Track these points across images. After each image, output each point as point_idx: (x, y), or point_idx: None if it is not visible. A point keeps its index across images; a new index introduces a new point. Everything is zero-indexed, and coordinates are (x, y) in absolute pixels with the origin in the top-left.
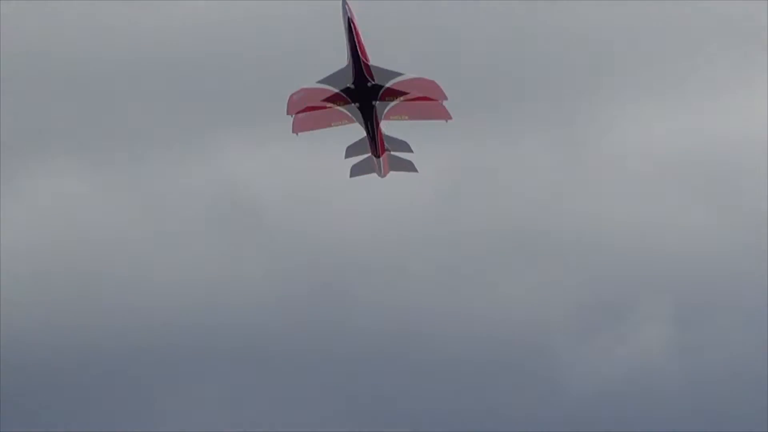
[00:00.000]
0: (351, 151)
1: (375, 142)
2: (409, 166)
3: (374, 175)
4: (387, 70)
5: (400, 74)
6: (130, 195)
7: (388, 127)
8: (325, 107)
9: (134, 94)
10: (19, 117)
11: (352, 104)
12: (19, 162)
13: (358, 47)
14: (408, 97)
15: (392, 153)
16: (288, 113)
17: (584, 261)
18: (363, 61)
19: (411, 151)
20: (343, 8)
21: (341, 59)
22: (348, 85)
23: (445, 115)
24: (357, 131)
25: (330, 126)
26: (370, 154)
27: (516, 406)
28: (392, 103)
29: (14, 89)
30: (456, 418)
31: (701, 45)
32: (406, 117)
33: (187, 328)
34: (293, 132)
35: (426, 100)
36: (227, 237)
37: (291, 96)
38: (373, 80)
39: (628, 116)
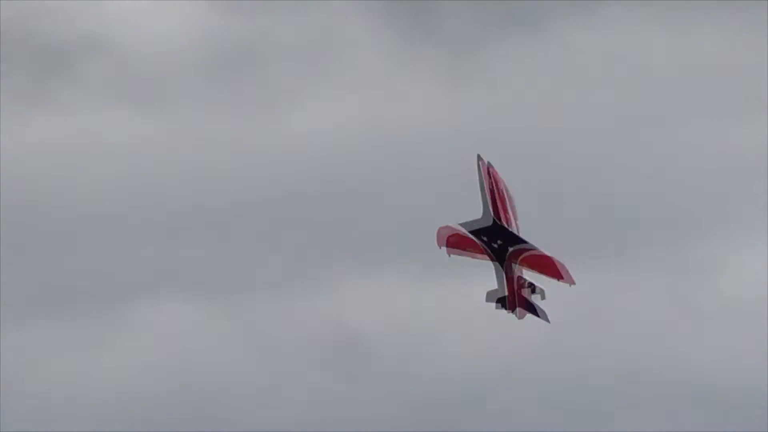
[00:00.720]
0: (491, 297)
1: (510, 295)
2: (543, 315)
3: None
4: (519, 239)
5: (531, 248)
6: (236, 331)
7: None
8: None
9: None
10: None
11: (494, 262)
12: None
13: (492, 205)
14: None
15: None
16: (441, 245)
17: (689, 409)
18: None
19: (548, 321)
20: (480, 168)
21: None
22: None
23: (569, 280)
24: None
25: (475, 257)
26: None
27: None
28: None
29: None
30: None
31: None
32: (537, 270)
33: None
34: (441, 245)
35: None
36: (336, 374)
37: (445, 235)
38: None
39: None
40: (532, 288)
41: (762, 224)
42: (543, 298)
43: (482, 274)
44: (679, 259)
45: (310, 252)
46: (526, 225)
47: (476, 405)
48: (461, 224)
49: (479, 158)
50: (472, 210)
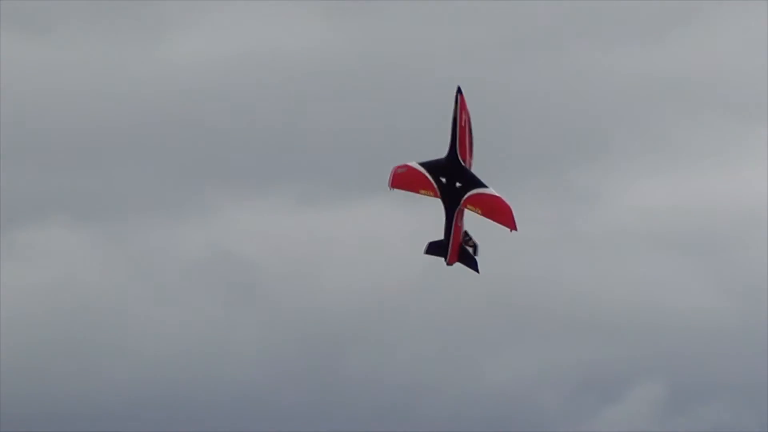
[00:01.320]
0: (432, 249)
1: (448, 247)
2: (472, 265)
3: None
4: (477, 180)
5: (484, 186)
6: (119, 255)
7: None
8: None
9: (120, 153)
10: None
11: (440, 199)
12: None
13: (458, 141)
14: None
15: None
16: (390, 186)
17: (577, 337)
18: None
19: (477, 270)
20: (457, 98)
21: None
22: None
23: (512, 225)
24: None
25: (418, 192)
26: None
27: None
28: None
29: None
30: None
31: (702, 111)
32: (480, 211)
33: (177, 397)
34: (390, 186)
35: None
36: (220, 303)
37: (395, 170)
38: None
39: (626, 186)
40: (471, 243)
41: (642, 151)
42: (476, 253)
43: (363, 198)
44: (559, 187)
45: (192, 176)
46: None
47: (358, 333)
48: (421, 162)
49: (459, 91)
50: (360, 131)
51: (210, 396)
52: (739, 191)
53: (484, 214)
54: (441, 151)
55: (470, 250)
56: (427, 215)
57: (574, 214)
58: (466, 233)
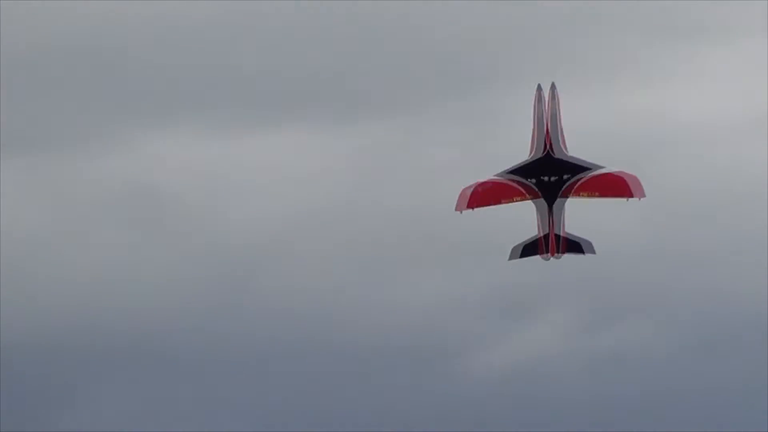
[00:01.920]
0: (523, 253)
1: (549, 240)
2: (584, 249)
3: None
4: (576, 163)
5: (592, 168)
6: (31, 187)
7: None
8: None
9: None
10: None
11: (538, 200)
12: None
13: (548, 136)
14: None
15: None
16: (460, 209)
17: (488, 262)
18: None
19: (593, 252)
20: (541, 94)
21: None
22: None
23: (636, 194)
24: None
25: (500, 203)
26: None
27: (416, 399)
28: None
29: None
30: (358, 413)
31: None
32: (596, 194)
33: (88, 323)
34: (460, 209)
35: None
36: (131, 227)
37: (476, 189)
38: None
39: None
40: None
41: (545, 72)
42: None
43: (285, 123)
44: (466, 109)
45: (98, 108)
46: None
47: (267, 262)
48: (510, 170)
49: (539, 88)
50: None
51: (118, 324)
52: (649, 112)
53: (601, 196)
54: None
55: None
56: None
57: (482, 137)
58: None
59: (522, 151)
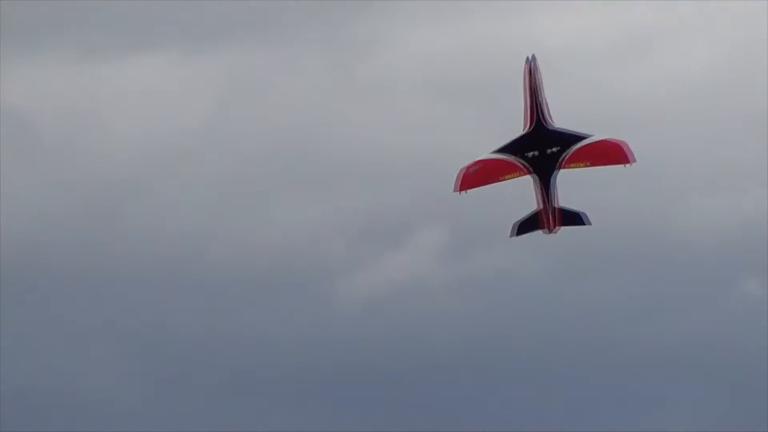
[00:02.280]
0: (521, 228)
1: (548, 215)
2: (580, 221)
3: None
4: (569, 134)
5: (583, 137)
6: None
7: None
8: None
9: None
10: None
11: (532, 174)
12: None
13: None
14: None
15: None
16: (457, 190)
17: (359, 184)
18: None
19: (589, 223)
20: (531, 66)
21: None
22: (527, 152)
23: (627, 160)
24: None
25: (499, 180)
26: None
27: (286, 324)
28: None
29: None
30: (226, 337)
31: None
32: (587, 164)
33: None
34: (458, 191)
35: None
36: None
37: (466, 170)
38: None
39: (397, 31)
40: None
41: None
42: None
43: (155, 47)
44: (339, 35)
45: None
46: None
47: (144, 183)
48: (500, 148)
49: (527, 61)
50: None
51: None
52: (521, 36)
53: (592, 165)
54: None
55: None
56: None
57: (353, 62)
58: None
59: (398, 77)
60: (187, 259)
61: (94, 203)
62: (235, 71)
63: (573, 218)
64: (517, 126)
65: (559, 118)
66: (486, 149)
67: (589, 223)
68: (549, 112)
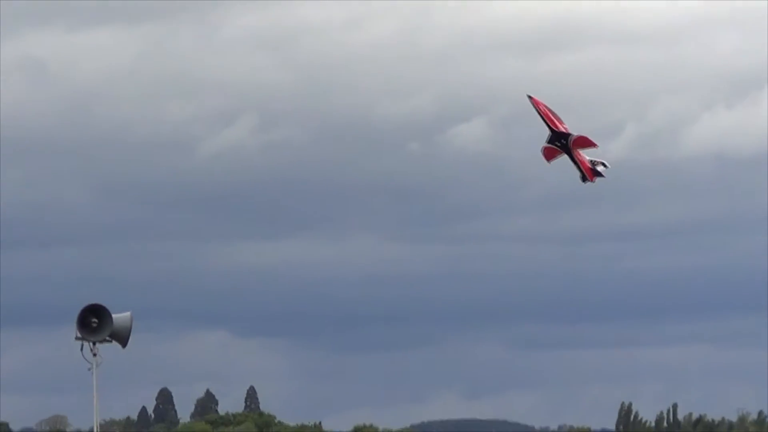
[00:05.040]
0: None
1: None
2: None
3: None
4: (569, 135)
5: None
6: None
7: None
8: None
9: None
10: None
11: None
12: None
13: (549, 123)
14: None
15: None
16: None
17: None
18: (555, 130)
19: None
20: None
21: None
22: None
23: (593, 144)
24: None
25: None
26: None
27: None
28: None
29: None
30: None
31: None
32: (582, 146)
33: None
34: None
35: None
36: None
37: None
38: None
39: None
40: (599, 162)
41: None
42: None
43: None
44: None
45: None
46: None
47: None
48: (548, 142)
49: (529, 98)
50: None
51: None
52: None
53: (576, 147)
54: None
55: (600, 168)
56: None
57: None
58: (592, 161)
59: None
60: None
61: None
62: None
63: (598, 168)
64: None
65: None
66: None
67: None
68: (560, 121)
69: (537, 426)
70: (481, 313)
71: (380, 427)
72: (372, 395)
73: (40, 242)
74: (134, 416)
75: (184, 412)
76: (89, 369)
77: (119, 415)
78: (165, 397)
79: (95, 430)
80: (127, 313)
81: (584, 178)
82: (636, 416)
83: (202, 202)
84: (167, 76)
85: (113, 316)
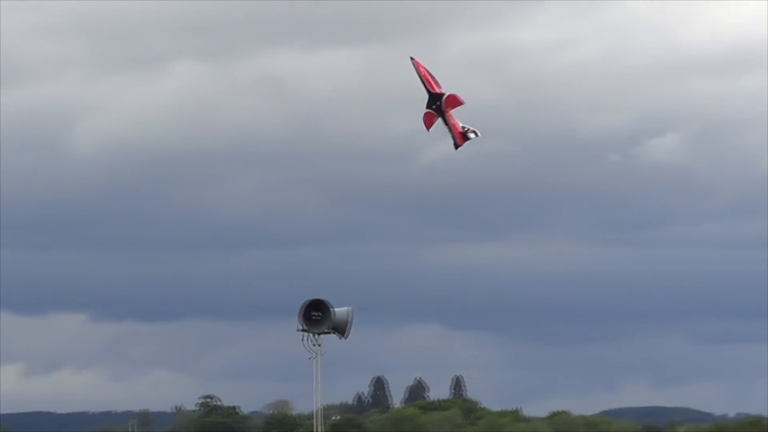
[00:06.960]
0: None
1: (454, 135)
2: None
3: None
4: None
5: (443, 94)
6: None
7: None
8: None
9: None
10: None
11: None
12: None
13: (427, 85)
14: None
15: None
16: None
17: None
18: (431, 91)
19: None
20: (416, 66)
21: None
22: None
23: (461, 102)
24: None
25: (434, 121)
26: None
27: None
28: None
29: None
30: None
31: None
32: (450, 108)
33: None
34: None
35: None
36: None
37: (427, 119)
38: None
39: None
40: (471, 130)
41: None
42: (476, 135)
43: None
44: None
45: None
46: None
47: None
48: (427, 107)
49: (412, 59)
50: None
51: None
52: None
53: (448, 106)
54: None
55: (471, 135)
56: None
57: None
58: (464, 126)
59: None
60: None
61: None
62: None
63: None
64: None
65: None
66: None
67: (477, 135)
68: (438, 84)
69: (716, 413)
70: (668, 310)
71: (574, 413)
72: (568, 384)
73: (271, 243)
74: (351, 401)
75: (397, 398)
76: (310, 358)
77: (337, 399)
78: (379, 384)
79: (314, 413)
80: (348, 308)
81: (456, 145)
82: None
83: (420, 206)
84: (390, 94)
85: (335, 310)
